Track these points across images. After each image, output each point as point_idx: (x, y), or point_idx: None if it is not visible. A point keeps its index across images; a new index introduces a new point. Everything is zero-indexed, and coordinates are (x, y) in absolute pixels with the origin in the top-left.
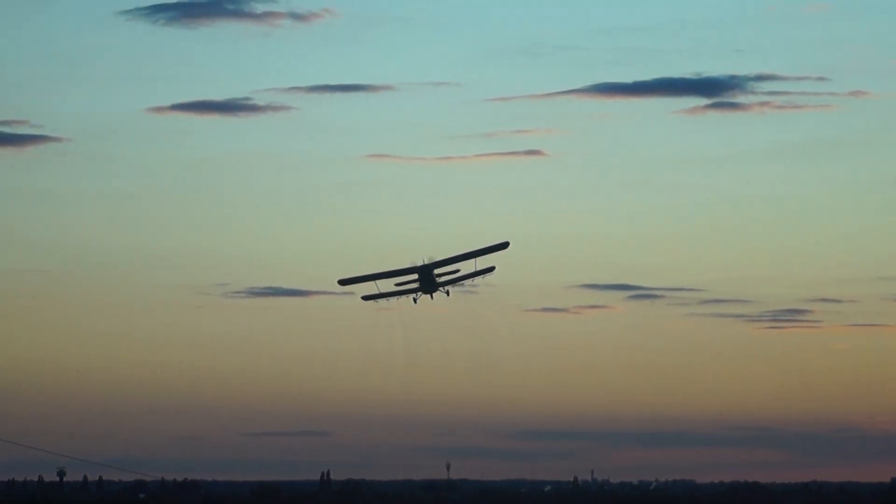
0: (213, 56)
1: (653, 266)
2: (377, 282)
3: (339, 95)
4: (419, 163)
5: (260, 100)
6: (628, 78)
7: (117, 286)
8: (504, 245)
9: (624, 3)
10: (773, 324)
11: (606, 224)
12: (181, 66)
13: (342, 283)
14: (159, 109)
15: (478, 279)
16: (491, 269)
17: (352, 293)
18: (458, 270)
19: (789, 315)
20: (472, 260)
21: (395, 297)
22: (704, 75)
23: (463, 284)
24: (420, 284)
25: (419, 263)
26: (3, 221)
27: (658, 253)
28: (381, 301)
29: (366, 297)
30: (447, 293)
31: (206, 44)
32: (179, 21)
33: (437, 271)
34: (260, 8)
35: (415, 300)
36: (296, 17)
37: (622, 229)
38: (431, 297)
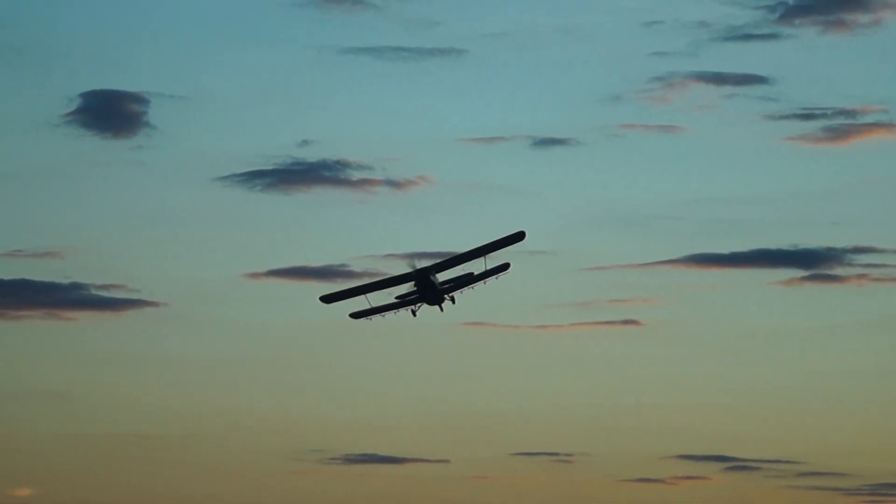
0: (310, 222)
1: (749, 437)
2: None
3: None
4: (515, 331)
5: (356, 266)
6: (724, 249)
7: (211, 451)
8: (519, 236)
9: (720, 175)
10: (872, 497)
11: (702, 394)
12: (278, 231)
13: (324, 299)
14: (256, 275)
15: (490, 280)
16: (505, 267)
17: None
18: (471, 273)
19: (887, 489)
20: (483, 258)
21: (392, 312)
22: (801, 247)
23: (472, 287)
24: (420, 294)
25: (413, 268)
26: (99, 386)
27: (755, 424)
28: (376, 318)
29: (355, 315)
30: (452, 300)
31: (303, 210)
32: (276, 187)
33: (439, 275)
34: (356, 175)
35: (413, 313)
36: (392, 184)
37: (718, 400)
38: (441, 309)
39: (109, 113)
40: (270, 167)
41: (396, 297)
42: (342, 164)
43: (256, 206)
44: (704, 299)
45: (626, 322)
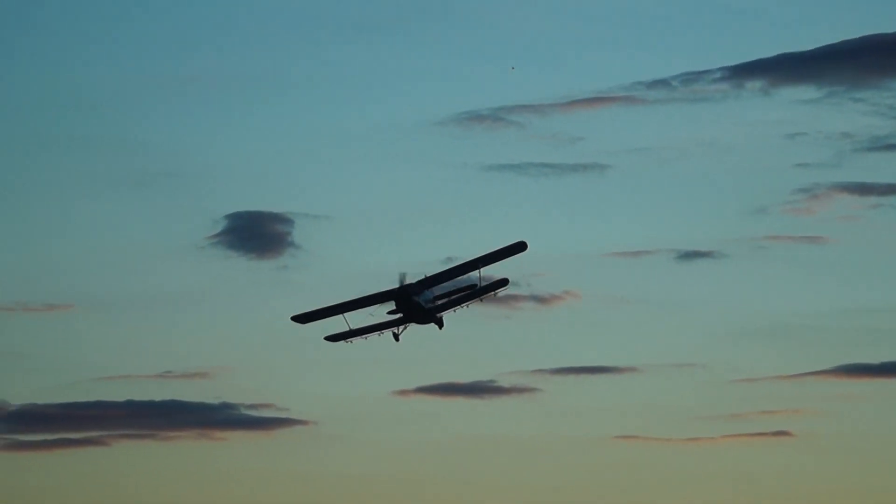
0: (457, 339)
1: None
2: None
3: (583, 377)
4: (667, 444)
5: (504, 382)
6: (875, 359)
7: None
8: (521, 246)
9: (867, 284)
10: None
11: None
12: (424, 349)
13: (296, 319)
14: (404, 392)
15: (488, 297)
16: (504, 283)
17: None
18: (474, 285)
19: None
20: (477, 271)
21: (377, 334)
22: None
23: (467, 306)
24: (404, 314)
25: (397, 285)
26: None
27: None
28: (357, 340)
29: (330, 338)
30: (439, 324)
31: (450, 327)
32: None
33: (427, 292)
34: (502, 291)
35: (396, 336)
36: (538, 299)
37: None
38: (440, 328)
39: (254, 234)
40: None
41: (389, 313)
42: (486, 281)
43: None
44: (856, 409)
45: (777, 433)
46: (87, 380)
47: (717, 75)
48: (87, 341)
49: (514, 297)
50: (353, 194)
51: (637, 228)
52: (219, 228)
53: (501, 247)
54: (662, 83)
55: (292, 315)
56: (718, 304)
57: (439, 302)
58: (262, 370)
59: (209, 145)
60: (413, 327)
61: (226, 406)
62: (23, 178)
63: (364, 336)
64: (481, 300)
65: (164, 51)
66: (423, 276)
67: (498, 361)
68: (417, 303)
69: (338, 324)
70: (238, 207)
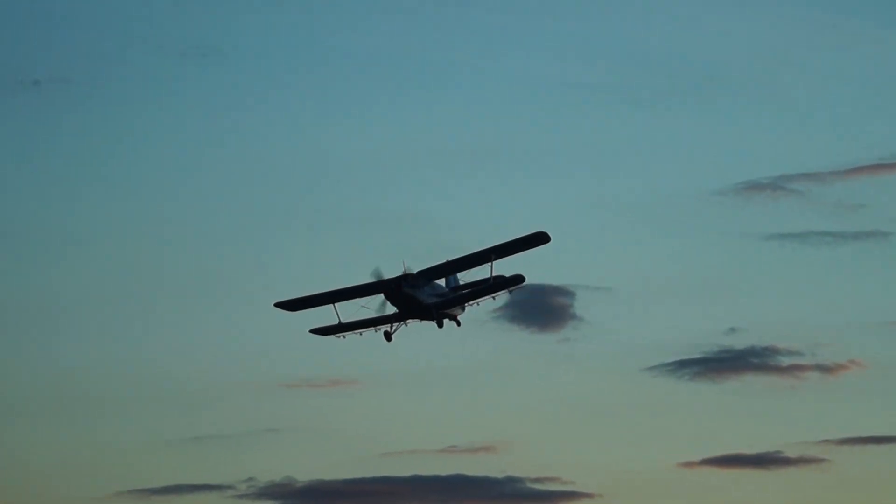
0: (741, 410)
1: None
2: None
3: (871, 447)
4: None
5: (790, 452)
6: None
7: None
8: (541, 237)
9: None
10: None
11: None
12: (709, 420)
13: (280, 305)
14: (689, 464)
15: (500, 295)
16: (519, 280)
17: None
18: (489, 280)
19: None
20: (489, 264)
21: (372, 329)
22: None
23: (478, 304)
24: (400, 310)
25: (378, 278)
26: None
27: None
28: (348, 336)
29: (316, 331)
30: (456, 321)
31: (733, 398)
32: (705, 375)
33: (430, 286)
34: (786, 361)
35: (388, 336)
36: (823, 369)
37: None
38: (439, 325)
39: (536, 307)
40: (698, 356)
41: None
42: (771, 351)
43: (686, 395)
44: None
45: None
46: (372, 455)
47: None
48: (372, 416)
49: (798, 367)
50: (634, 265)
51: None
52: (501, 302)
53: (518, 236)
54: None
55: (275, 301)
56: None
57: (439, 298)
58: (546, 443)
59: (488, 219)
60: (415, 325)
61: (511, 480)
62: (318, 260)
63: (358, 332)
64: (493, 298)
65: (437, 122)
66: (417, 270)
67: (783, 432)
68: (412, 296)
69: (327, 315)
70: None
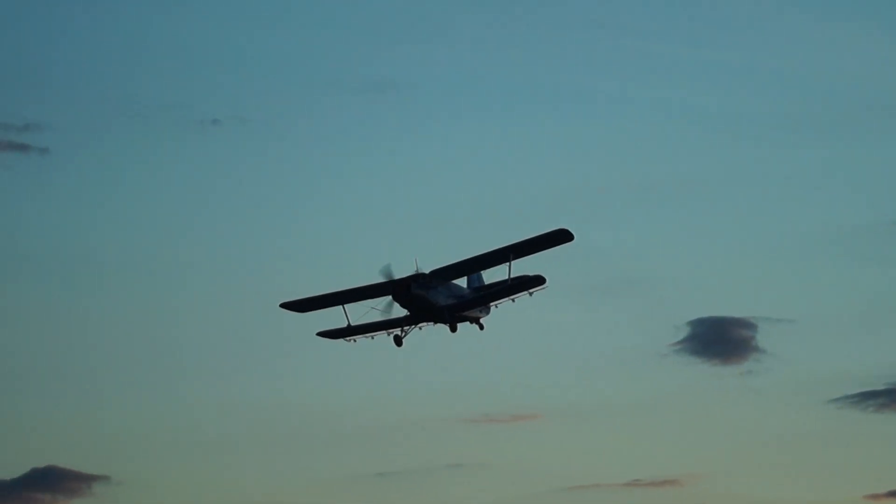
0: None
1: None
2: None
3: None
4: None
5: None
6: None
7: None
8: (565, 235)
9: None
10: None
11: None
12: (894, 452)
13: (285, 306)
14: (876, 496)
15: (521, 297)
16: (540, 281)
17: None
18: (506, 282)
19: None
20: (507, 264)
21: (372, 335)
22: None
23: (497, 306)
24: (410, 312)
25: (388, 277)
26: None
27: None
28: (358, 340)
29: (323, 334)
30: (479, 325)
31: None
32: (889, 407)
33: (444, 287)
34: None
35: (398, 340)
36: None
37: None
38: (452, 329)
39: (718, 339)
40: (882, 387)
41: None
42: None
43: (870, 426)
44: None
45: None
46: (554, 490)
47: None
48: (554, 451)
49: None
50: (817, 297)
51: None
52: (682, 335)
53: (538, 234)
54: None
55: (281, 302)
56: None
57: (453, 300)
58: (730, 475)
59: (670, 251)
60: (430, 329)
61: None
62: None
63: (370, 335)
64: (513, 300)
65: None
66: (430, 270)
67: None
68: (423, 298)
69: (338, 317)
70: (701, 313)
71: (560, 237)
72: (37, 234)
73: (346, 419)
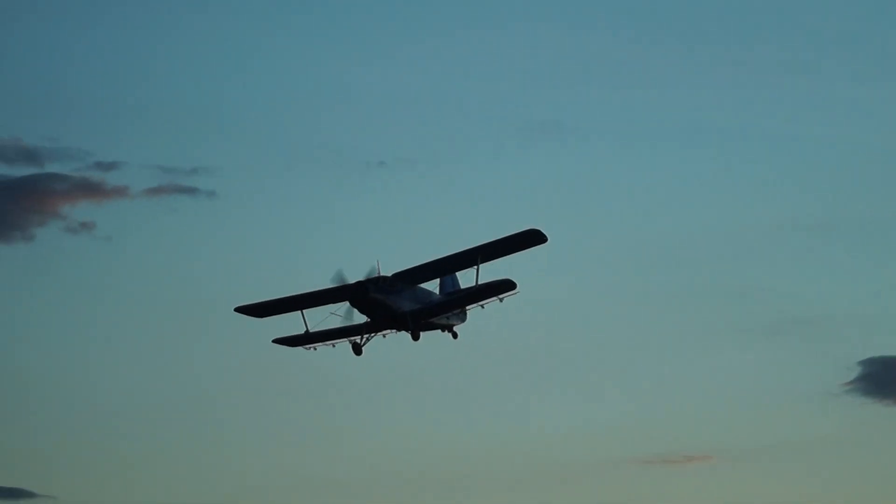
0: None
1: None
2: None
3: None
4: None
5: None
6: None
7: None
8: (535, 235)
9: None
10: None
11: None
12: None
13: (240, 310)
14: None
15: (490, 303)
16: (510, 286)
17: None
18: (474, 286)
19: None
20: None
21: (333, 342)
22: None
23: (464, 312)
24: (371, 318)
25: (342, 282)
26: None
27: None
28: (317, 348)
29: (279, 341)
30: (452, 334)
31: None
32: None
33: (409, 290)
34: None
35: (357, 348)
36: None
37: None
38: (414, 337)
39: (891, 379)
40: None
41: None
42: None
43: None
44: None
45: None
46: None
47: None
48: (727, 492)
49: None
50: None
51: None
52: (853, 375)
53: (508, 234)
54: None
55: (236, 307)
56: None
57: (418, 305)
58: None
59: (840, 290)
60: (394, 335)
61: None
62: (654, 330)
63: (330, 343)
64: (482, 306)
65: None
66: (391, 273)
67: None
68: (382, 302)
69: (295, 323)
70: (873, 353)
71: (531, 238)
72: (205, 276)
73: (513, 459)
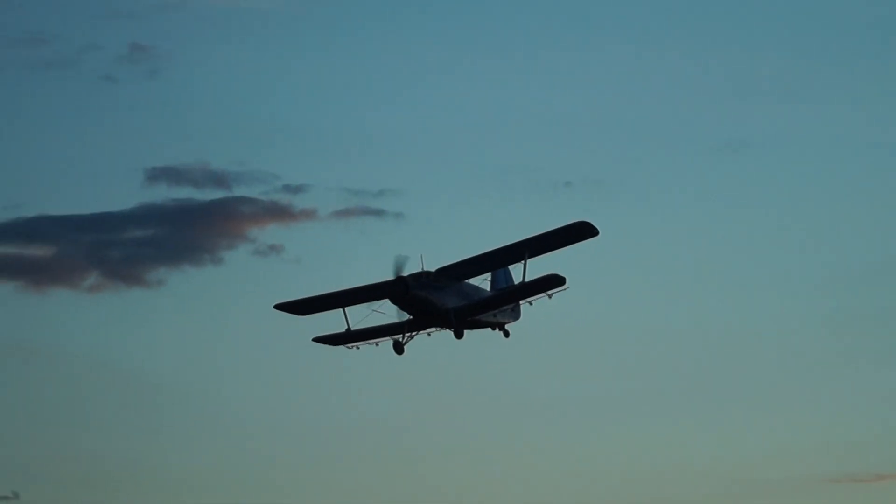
0: None
1: None
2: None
3: None
4: None
5: None
6: None
7: None
8: (587, 228)
9: None
10: None
11: None
12: None
13: (279, 307)
14: None
15: (539, 299)
16: (560, 281)
17: None
18: (521, 283)
19: None
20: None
21: (376, 341)
22: None
23: (516, 309)
24: (413, 315)
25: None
26: None
27: None
28: (357, 347)
29: (319, 339)
30: (505, 332)
31: None
32: None
33: (451, 286)
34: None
35: (398, 346)
36: None
37: None
38: (458, 335)
39: None
40: None
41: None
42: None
43: None
44: None
45: None
46: None
47: None
48: None
49: None
50: None
51: None
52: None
53: (557, 226)
54: None
55: (275, 304)
56: None
57: (463, 302)
58: None
59: None
60: (437, 334)
61: None
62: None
63: (374, 342)
64: (530, 303)
65: None
66: (435, 269)
67: None
68: (424, 299)
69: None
70: None
71: (582, 231)
72: None
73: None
